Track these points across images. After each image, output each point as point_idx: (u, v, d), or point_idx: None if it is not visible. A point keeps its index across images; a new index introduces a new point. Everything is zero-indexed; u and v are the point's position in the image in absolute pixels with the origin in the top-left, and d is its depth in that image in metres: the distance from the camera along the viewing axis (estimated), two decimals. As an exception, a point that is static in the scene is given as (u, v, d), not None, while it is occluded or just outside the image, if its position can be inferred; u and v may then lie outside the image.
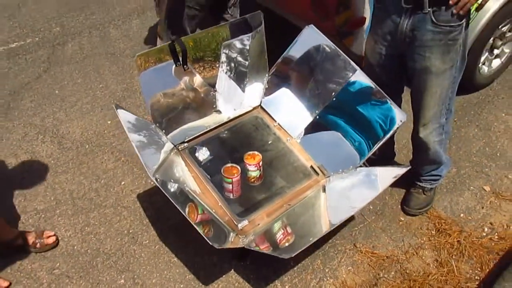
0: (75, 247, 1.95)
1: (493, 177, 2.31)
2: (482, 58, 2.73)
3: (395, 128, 1.78)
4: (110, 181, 2.26)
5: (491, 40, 2.66)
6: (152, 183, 2.23)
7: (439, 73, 1.71)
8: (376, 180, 1.81)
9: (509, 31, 2.76)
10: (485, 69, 2.84)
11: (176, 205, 1.54)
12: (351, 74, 1.88)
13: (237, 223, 1.71)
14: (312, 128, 2.02)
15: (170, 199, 1.55)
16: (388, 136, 1.79)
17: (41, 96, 2.84)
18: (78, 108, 2.74)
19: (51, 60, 3.17)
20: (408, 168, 1.78)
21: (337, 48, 1.88)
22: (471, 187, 2.26)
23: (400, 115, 1.77)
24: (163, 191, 1.56)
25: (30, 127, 2.61)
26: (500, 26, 2.61)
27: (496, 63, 2.89)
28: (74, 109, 2.74)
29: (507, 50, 2.87)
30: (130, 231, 2.03)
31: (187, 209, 1.68)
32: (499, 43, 2.77)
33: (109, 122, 2.64)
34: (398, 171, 1.76)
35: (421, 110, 1.84)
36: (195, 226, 1.53)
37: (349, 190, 1.81)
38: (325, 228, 1.71)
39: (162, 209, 2.11)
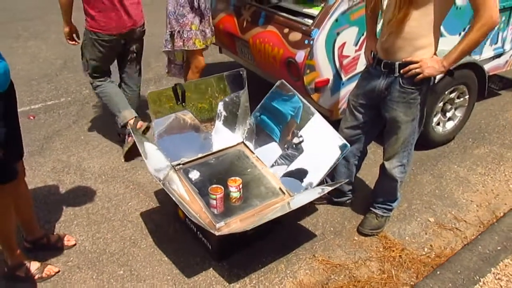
0: (86, 247, 2.41)
1: (439, 212, 2.74)
2: (435, 120, 3.29)
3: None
4: (119, 202, 2.76)
5: (440, 104, 3.23)
6: (153, 204, 2.73)
7: (403, 123, 2.22)
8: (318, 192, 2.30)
9: (457, 98, 3.34)
10: (439, 129, 3.38)
11: (172, 198, 2.01)
12: (312, 116, 2.44)
13: (215, 224, 2.17)
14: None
15: (169, 194, 2.04)
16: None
17: (69, 141, 3.44)
18: (99, 150, 3.32)
19: (79, 115, 3.82)
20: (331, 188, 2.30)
21: (300, 96, 2.46)
22: (418, 219, 2.69)
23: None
24: (165, 189, 2.06)
25: (58, 162, 3.17)
26: (446, 92, 3.19)
27: (450, 125, 3.43)
28: (95, 150, 3.32)
29: (458, 114, 3.43)
30: (132, 238, 2.48)
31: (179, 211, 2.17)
32: (449, 107, 3.34)
33: (122, 160, 3.19)
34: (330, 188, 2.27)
35: (387, 148, 2.35)
36: (188, 214, 1.97)
37: (306, 199, 2.28)
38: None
39: (160, 224, 2.58)
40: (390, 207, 2.56)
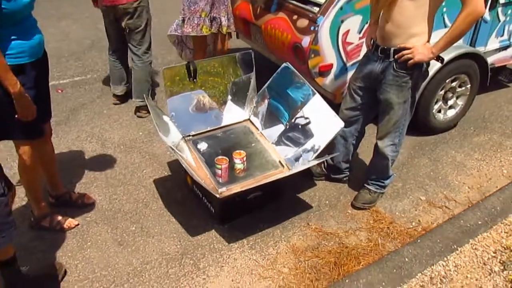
0: (103, 206, 2.69)
1: (431, 192, 2.92)
2: (436, 107, 3.44)
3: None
4: (135, 169, 3.03)
5: (441, 92, 3.38)
6: (165, 172, 2.99)
7: (395, 105, 2.41)
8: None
9: (459, 87, 3.48)
10: (441, 116, 3.52)
11: (180, 161, 2.26)
12: (311, 96, 2.65)
13: (218, 189, 2.41)
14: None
15: (178, 158, 2.29)
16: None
17: (93, 113, 3.73)
18: (119, 123, 3.60)
19: (103, 91, 4.11)
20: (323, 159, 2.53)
21: (303, 78, 2.66)
22: (411, 197, 2.87)
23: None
24: (175, 153, 2.31)
25: (82, 132, 3.46)
26: (447, 81, 3.33)
27: (451, 112, 3.58)
28: (116, 123, 3.60)
29: (460, 103, 3.57)
30: (144, 200, 2.75)
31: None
32: (450, 95, 3.49)
33: (140, 133, 3.46)
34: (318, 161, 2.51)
35: (380, 127, 2.54)
36: (193, 177, 2.22)
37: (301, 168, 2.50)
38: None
39: (170, 189, 2.84)
40: (383, 184, 2.75)
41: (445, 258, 2.24)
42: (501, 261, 2.22)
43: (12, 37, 1.90)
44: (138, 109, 3.65)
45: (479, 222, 2.46)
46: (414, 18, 2.15)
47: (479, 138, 3.56)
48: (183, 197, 2.78)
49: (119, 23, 3.37)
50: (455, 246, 2.29)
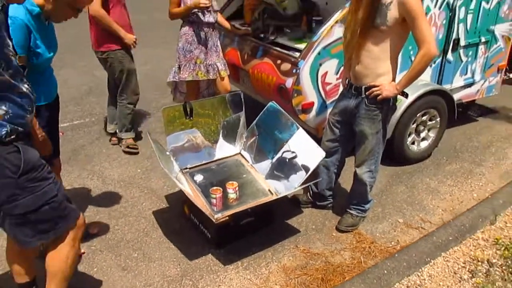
0: (107, 236, 2.90)
1: (408, 215, 3.19)
2: (410, 139, 3.77)
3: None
4: (135, 203, 3.27)
5: (413, 125, 3.72)
6: (163, 205, 3.23)
7: (368, 135, 2.73)
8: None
9: (430, 120, 3.84)
10: (414, 147, 3.86)
11: (180, 188, 2.51)
12: (296, 131, 2.96)
13: (214, 215, 2.65)
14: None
15: (180, 187, 2.54)
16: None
17: (92, 153, 3.99)
18: (118, 161, 3.86)
19: (102, 133, 4.38)
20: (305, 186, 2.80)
21: (287, 115, 2.98)
22: (390, 220, 3.14)
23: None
24: (177, 183, 2.56)
25: (83, 170, 3.71)
26: (418, 115, 3.69)
27: (424, 144, 3.91)
28: (115, 161, 3.85)
29: (431, 135, 3.92)
30: (145, 230, 2.97)
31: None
32: (422, 128, 3.83)
33: (138, 170, 3.72)
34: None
35: (358, 156, 2.84)
36: (193, 202, 2.47)
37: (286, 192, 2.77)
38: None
39: (168, 220, 3.07)
40: (364, 208, 3.02)
41: (420, 270, 2.48)
42: (470, 270, 2.47)
43: (34, 84, 2.19)
44: (119, 140, 4.06)
45: (450, 238, 2.72)
46: (380, 60, 2.51)
47: (451, 166, 3.88)
48: (181, 226, 3.01)
49: None
50: (428, 259, 2.55)
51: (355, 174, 2.89)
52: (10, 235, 1.96)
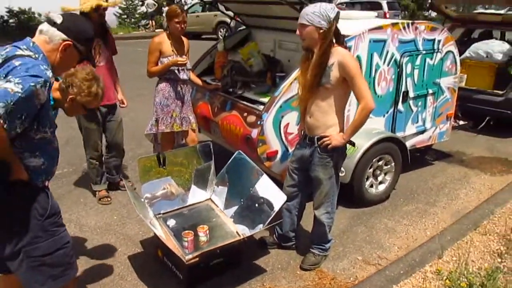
0: (84, 279, 3.05)
1: (366, 253, 3.46)
2: (368, 183, 4.10)
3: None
4: (111, 248, 3.44)
5: (370, 170, 4.07)
6: (138, 250, 3.42)
7: (323, 180, 3.04)
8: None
9: (385, 165, 4.20)
10: (373, 190, 4.19)
11: (154, 232, 2.74)
12: (260, 177, 3.25)
13: (185, 256, 2.87)
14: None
15: (153, 231, 2.76)
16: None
17: (70, 202, 4.18)
18: (94, 210, 4.05)
19: (80, 183, 4.58)
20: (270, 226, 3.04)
21: (253, 163, 3.28)
22: (350, 257, 3.39)
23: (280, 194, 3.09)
24: (151, 227, 2.78)
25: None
26: (374, 160, 4.04)
27: (382, 187, 4.25)
28: (92, 210, 4.05)
29: (388, 178, 4.26)
30: (120, 274, 3.14)
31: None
32: (379, 172, 4.18)
33: (114, 217, 3.92)
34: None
35: (315, 200, 3.13)
36: (166, 244, 2.68)
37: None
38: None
39: (144, 264, 3.26)
40: (324, 247, 3.27)
41: (373, 301, 2.73)
42: (417, 300, 2.73)
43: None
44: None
45: (401, 272, 2.99)
46: (328, 114, 2.86)
47: (407, 207, 4.21)
48: (155, 269, 3.20)
49: None
50: (380, 291, 2.80)
51: (315, 216, 3.17)
52: (22, 281, 2.11)
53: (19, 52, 1.87)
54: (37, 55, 1.90)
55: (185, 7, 23.13)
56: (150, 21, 21.31)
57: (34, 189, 1.98)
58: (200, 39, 17.70)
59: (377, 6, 23.82)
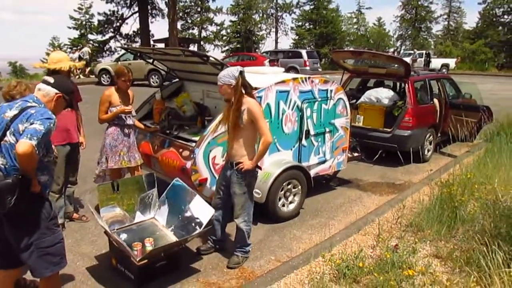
0: None
1: (278, 254, 4.46)
2: (280, 202, 5.17)
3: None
4: (70, 263, 4.16)
5: (281, 192, 5.15)
6: (94, 262, 4.18)
7: (239, 194, 4.04)
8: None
9: (294, 188, 5.31)
10: (285, 209, 5.26)
11: (113, 239, 3.57)
12: (194, 197, 4.20)
13: (136, 258, 3.71)
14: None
15: (112, 239, 3.58)
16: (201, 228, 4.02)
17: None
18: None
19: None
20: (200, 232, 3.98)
21: (187, 187, 4.24)
22: (265, 258, 4.37)
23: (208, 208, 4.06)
24: (110, 233, 3.60)
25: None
26: (284, 184, 5.14)
27: (292, 206, 5.34)
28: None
29: (296, 199, 5.37)
30: (81, 280, 3.89)
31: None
32: (289, 194, 5.28)
33: (70, 240, 4.63)
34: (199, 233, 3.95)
35: (234, 211, 4.11)
36: (121, 248, 3.52)
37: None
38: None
39: (100, 272, 4.02)
40: (245, 250, 4.24)
41: (279, 280, 3.72)
42: (310, 279, 3.76)
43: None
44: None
45: (301, 262, 4.03)
46: (243, 146, 3.93)
47: (312, 221, 5.32)
48: (110, 274, 3.97)
49: None
50: (285, 274, 3.81)
51: (236, 225, 4.16)
52: (32, 268, 2.90)
53: (29, 104, 2.76)
54: (41, 105, 2.80)
55: (117, 55, 23.75)
56: (85, 68, 21.84)
57: (43, 199, 2.82)
58: (133, 85, 18.46)
59: (298, 55, 26.25)
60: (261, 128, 3.83)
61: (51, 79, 2.95)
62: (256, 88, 4.84)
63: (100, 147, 4.93)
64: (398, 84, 8.90)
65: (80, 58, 20.32)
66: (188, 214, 4.20)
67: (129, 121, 4.85)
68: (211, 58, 4.63)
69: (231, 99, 3.90)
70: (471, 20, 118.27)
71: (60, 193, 4.76)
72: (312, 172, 5.62)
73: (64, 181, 4.74)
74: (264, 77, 5.34)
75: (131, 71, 4.92)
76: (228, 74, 3.82)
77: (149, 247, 3.91)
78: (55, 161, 4.52)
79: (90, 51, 22.20)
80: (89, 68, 22.30)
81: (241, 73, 3.86)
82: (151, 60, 6.00)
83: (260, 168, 4.15)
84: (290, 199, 5.31)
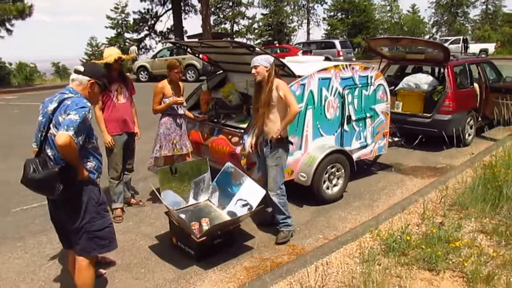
0: (119, 263, 4.14)
1: (326, 233, 4.68)
2: (325, 185, 5.39)
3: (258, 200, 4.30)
4: (134, 242, 4.54)
5: (326, 175, 5.36)
6: (155, 241, 4.54)
7: (271, 166, 4.30)
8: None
9: (337, 171, 5.51)
10: (329, 192, 5.47)
11: (176, 217, 3.90)
12: (245, 179, 4.47)
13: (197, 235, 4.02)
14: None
15: (175, 217, 3.92)
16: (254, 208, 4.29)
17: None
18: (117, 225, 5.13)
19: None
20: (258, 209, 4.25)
21: (238, 170, 4.52)
22: (314, 237, 4.60)
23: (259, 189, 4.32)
24: (172, 213, 3.93)
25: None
26: (328, 168, 5.35)
27: (336, 189, 5.54)
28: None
29: (340, 182, 5.57)
30: (145, 257, 4.25)
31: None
32: (333, 177, 5.49)
33: (130, 223, 5.00)
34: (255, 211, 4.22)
35: (268, 183, 4.38)
36: (182, 225, 3.84)
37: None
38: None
39: (162, 249, 4.37)
40: (287, 223, 4.48)
41: (329, 255, 3.96)
42: (359, 253, 3.97)
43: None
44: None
45: (349, 238, 4.25)
46: (276, 123, 4.21)
47: (356, 203, 5.51)
48: (171, 252, 4.31)
49: None
50: (335, 249, 4.04)
51: (269, 197, 4.37)
52: (81, 246, 3.11)
53: (66, 95, 2.97)
54: (77, 95, 3.01)
55: (154, 52, 24.39)
56: (132, 64, 22.66)
57: (92, 184, 3.05)
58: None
59: (331, 45, 26.20)
60: (289, 99, 4.13)
61: (81, 68, 3.09)
62: (299, 76, 5.07)
63: (154, 136, 5.28)
64: (437, 69, 8.90)
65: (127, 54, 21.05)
66: (240, 195, 4.48)
67: (181, 111, 5.17)
68: (257, 48, 4.88)
69: (263, 81, 4.20)
70: (510, 3, 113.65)
71: (118, 179, 5.13)
72: (354, 157, 5.79)
73: (122, 169, 5.12)
74: (305, 65, 5.55)
75: (182, 63, 5.23)
76: (265, 59, 4.21)
77: (205, 227, 4.21)
78: (112, 149, 4.93)
79: (137, 51, 22.97)
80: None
81: (274, 61, 4.32)
82: (197, 54, 6.30)
83: (292, 143, 4.44)
84: (334, 182, 5.52)
